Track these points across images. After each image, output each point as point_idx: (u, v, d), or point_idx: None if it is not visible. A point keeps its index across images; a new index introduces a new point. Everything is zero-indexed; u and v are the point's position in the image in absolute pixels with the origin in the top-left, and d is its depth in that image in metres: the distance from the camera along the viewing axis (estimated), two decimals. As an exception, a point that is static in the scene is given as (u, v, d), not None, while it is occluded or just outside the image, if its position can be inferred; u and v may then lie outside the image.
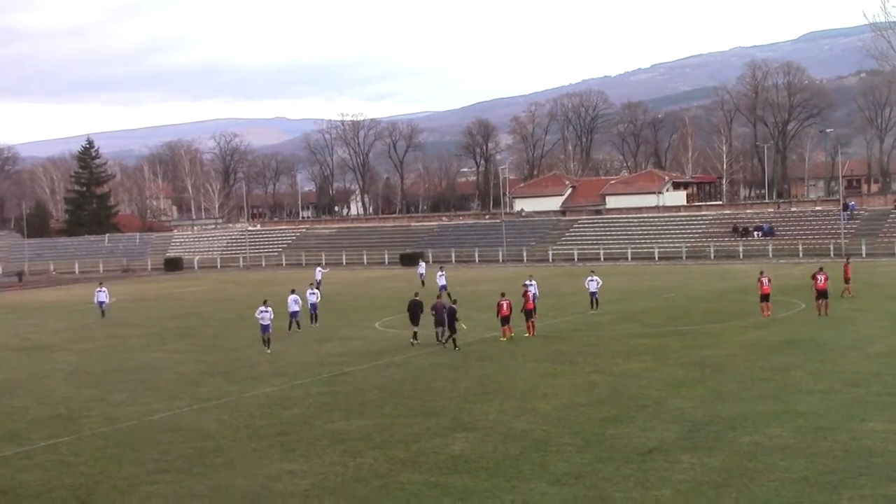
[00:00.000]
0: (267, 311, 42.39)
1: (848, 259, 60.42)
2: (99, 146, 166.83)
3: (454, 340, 39.48)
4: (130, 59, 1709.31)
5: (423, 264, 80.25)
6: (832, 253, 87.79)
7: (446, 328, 40.07)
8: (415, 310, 43.00)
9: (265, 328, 42.29)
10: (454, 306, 40.52)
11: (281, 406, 29.54)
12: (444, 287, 60.65)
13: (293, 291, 49.45)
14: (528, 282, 47.74)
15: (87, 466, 23.30)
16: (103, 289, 61.02)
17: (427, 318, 41.92)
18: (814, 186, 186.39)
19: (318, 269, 77.51)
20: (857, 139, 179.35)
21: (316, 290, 53.50)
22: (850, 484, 19.14)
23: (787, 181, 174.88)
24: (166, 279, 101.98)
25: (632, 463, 21.33)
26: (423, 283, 71.12)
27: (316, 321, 50.74)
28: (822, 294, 45.92)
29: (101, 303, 59.87)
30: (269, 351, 41.15)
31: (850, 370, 31.39)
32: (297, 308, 48.34)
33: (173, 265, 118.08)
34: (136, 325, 55.65)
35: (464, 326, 40.78)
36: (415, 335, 41.75)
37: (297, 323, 48.31)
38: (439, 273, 62.58)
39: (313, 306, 51.27)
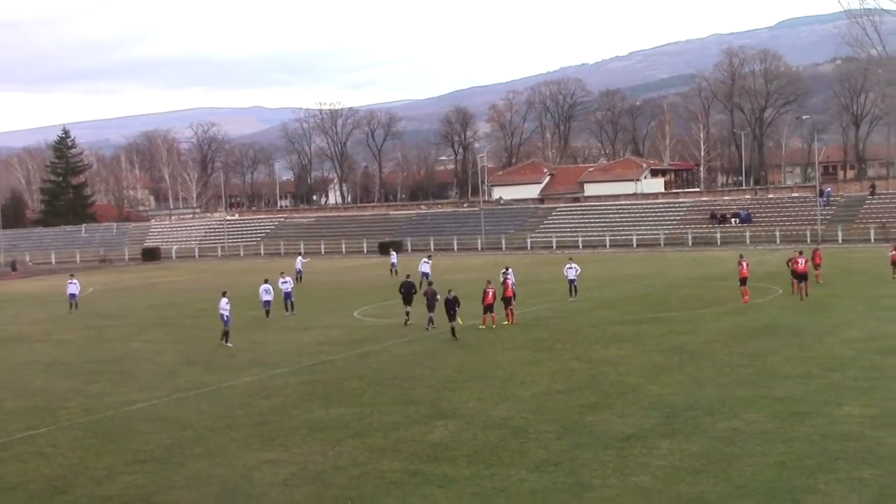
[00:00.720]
0: (226, 303, 41.82)
1: (818, 245, 61.16)
2: (75, 136, 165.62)
3: (454, 329, 39.15)
4: (106, 49, 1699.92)
5: (394, 254, 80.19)
6: (809, 239, 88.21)
7: (439, 315, 39.91)
8: (408, 290, 44.66)
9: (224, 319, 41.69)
10: (455, 297, 39.80)
11: (260, 395, 29.49)
12: (426, 275, 60.50)
13: (266, 281, 49.66)
14: (504, 271, 47.87)
15: (64, 458, 23.20)
16: (74, 280, 59.95)
17: (423, 306, 42.61)
18: (790, 173, 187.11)
19: (299, 258, 77.36)
20: (833, 126, 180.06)
21: (288, 279, 53.49)
22: (826, 468, 19.27)
23: (764, 168, 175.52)
24: (144, 269, 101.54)
25: (611, 449, 21.41)
26: (395, 272, 71.46)
27: (292, 309, 50.74)
28: (800, 276, 46.47)
29: (72, 294, 58.74)
30: (229, 344, 40.22)
31: (827, 355, 31.59)
32: (269, 297, 48.70)
33: (151, 255, 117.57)
34: (113, 315, 55.38)
35: (460, 321, 40.03)
36: (407, 314, 43.34)
37: (268, 312, 48.49)
38: (424, 261, 62.35)
39: (287, 295, 51.41)
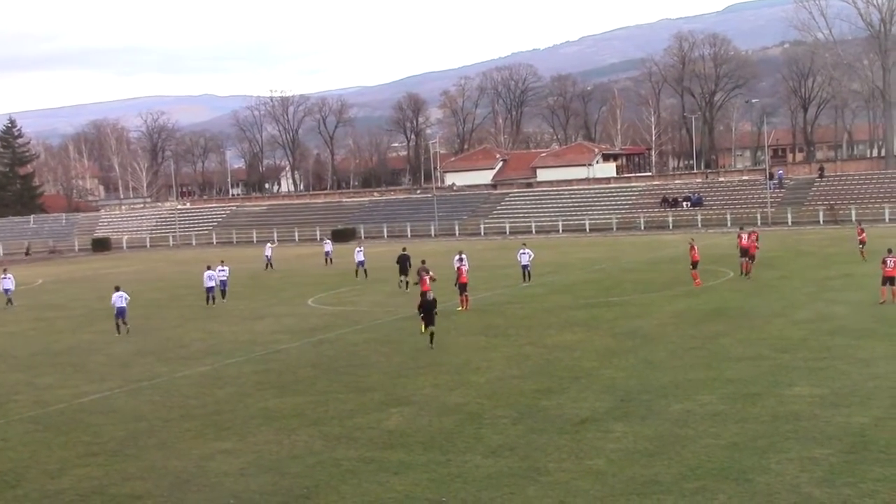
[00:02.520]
0: (121, 296, 42.06)
1: (754, 228, 62.90)
2: (21, 125, 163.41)
3: (432, 336, 33.62)
4: (52, 36, 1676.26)
5: (328, 242, 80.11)
6: (759, 221, 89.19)
7: (425, 318, 34.62)
8: (403, 262, 51.72)
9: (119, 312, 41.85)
10: (434, 298, 34.52)
11: (214, 385, 29.30)
12: (361, 263, 60.68)
13: (209, 268, 51.18)
14: (458, 256, 47.96)
15: (15, 451, 22.91)
16: (8, 275, 57.85)
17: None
18: (741, 156, 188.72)
19: (269, 245, 77.22)
20: (782, 109, 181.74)
21: (225, 268, 54.09)
22: (777, 448, 19.49)
23: (715, 151, 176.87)
24: (94, 259, 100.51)
25: (565, 434, 21.50)
26: (330, 261, 71.91)
27: (224, 298, 51.72)
28: (744, 252, 47.58)
29: (6, 290, 56.78)
30: (119, 334, 41.04)
31: (778, 336, 31.94)
32: (212, 284, 50.71)
33: (101, 245, 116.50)
34: (63, 306, 54.77)
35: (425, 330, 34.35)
36: (403, 283, 46.47)
37: (213, 298, 50.21)
38: (357, 250, 62.47)
39: (222, 283, 52.49)
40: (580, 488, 17.83)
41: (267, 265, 71.45)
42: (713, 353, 29.62)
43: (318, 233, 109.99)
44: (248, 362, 33.03)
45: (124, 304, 42.00)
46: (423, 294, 35.13)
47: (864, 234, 55.94)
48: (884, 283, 38.00)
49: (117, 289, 42.71)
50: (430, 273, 42.92)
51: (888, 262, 37.87)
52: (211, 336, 39.72)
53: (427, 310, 33.81)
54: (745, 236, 49.90)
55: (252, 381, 29.67)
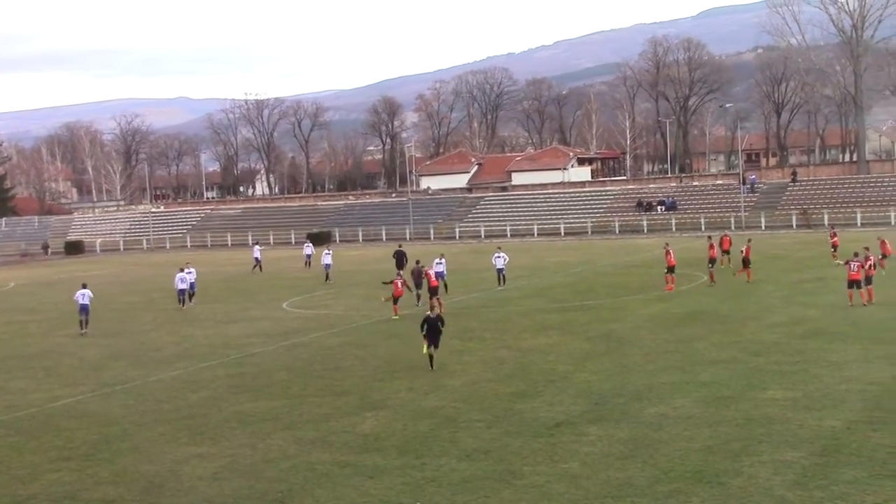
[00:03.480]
0: (84, 294, 43.54)
1: (725, 232, 63.58)
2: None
3: (431, 358, 29.85)
4: (27, 38, 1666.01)
5: (309, 245, 79.93)
6: (733, 226, 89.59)
7: (428, 337, 30.05)
8: (399, 258, 56.22)
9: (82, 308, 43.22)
10: (441, 316, 30.83)
11: (188, 389, 29.16)
12: (328, 266, 60.74)
13: (181, 270, 51.67)
14: (437, 260, 48.68)
15: (-13, 456, 22.72)
16: None
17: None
18: (715, 161, 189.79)
19: (256, 247, 76.90)
20: (756, 114, 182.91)
21: (192, 270, 53.97)
22: (751, 451, 19.58)
23: (689, 156, 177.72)
24: (67, 263, 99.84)
25: (540, 437, 21.53)
26: (308, 264, 71.85)
27: (191, 300, 51.83)
28: (713, 261, 48.57)
29: None
30: (82, 330, 42.62)
31: (751, 340, 32.10)
32: (183, 286, 50.97)
33: (74, 248, 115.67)
34: (35, 310, 54.40)
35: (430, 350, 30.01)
36: (398, 274, 46.75)
37: (183, 300, 50.75)
38: (326, 252, 62.57)
39: (192, 285, 52.61)
40: (555, 491, 17.85)
41: (255, 266, 71.16)
42: (687, 357, 29.73)
43: (293, 236, 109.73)
44: (222, 366, 32.89)
45: (87, 302, 43.11)
46: (420, 272, 36.21)
47: (836, 238, 56.40)
48: (850, 287, 38.29)
49: (84, 286, 43.82)
50: (426, 269, 45.20)
51: (852, 265, 38.19)
52: (185, 340, 39.53)
53: (431, 328, 29.61)
54: (715, 243, 50.30)
55: (226, 384, 29.55)
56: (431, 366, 29.71)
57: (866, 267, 38.77)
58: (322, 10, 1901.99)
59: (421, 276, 45.41)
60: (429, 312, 30.19)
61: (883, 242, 50.72)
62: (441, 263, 49.53)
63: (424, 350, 29.84)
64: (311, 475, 19.70)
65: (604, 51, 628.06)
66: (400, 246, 57.35)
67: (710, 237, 54.23)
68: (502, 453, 20.45)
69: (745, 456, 19.26)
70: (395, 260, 56.80)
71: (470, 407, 24.71)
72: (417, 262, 47.62)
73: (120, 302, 55.71)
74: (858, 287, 38.02)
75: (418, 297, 44.89)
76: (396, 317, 41.51)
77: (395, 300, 42.14)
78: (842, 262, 42.59)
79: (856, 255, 38.80)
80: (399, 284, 42.17)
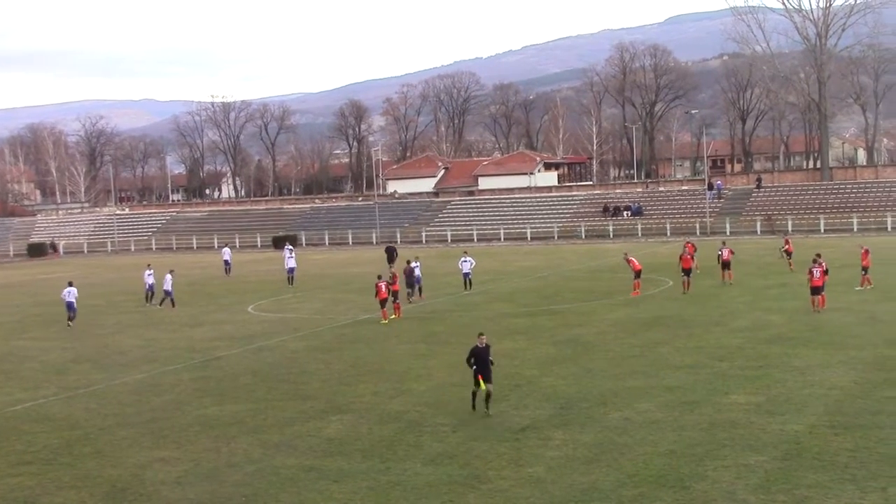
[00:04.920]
0: (70, 292, 46.38)
1: (688, 239, 63.90)
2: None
3: (489, 396, 24.16)
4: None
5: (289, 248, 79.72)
6: (698, 231, 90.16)
7: (480, 371, 24.23)
8: (390, 252, 62.06)
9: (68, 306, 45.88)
10: (488, 345, 24.70)
11: (152, 393, 28.96)
12: (292, 269, 60.61)
13: (149, 266, 53.77)
14: (413, 263, 50.18)
15: (-54, 460, 22.45)
16: None
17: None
18: (680, 166, 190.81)
19: (226, 248, 76.46)
20: (721, 120, 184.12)
21: (151, 272, 54.47)
22: (714, 455, 19.69)
23: (655, 161, 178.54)
24: (30, 265, 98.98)
25: (506, 441, 21.55)
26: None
27: (150, 301, 52.64)
28: (686, 272, 47.72)
29: None
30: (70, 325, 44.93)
31: (715, 345, 32.29)
32: (152, 281, 53.12)
33: (37, 251, 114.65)
34: (-2, 313, 53.84)
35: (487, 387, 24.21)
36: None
37: (149, 297, 52.59)
38: (288, 256, 62.39)
39: (150, 287, 53.42)
40: (520, 496, 17.88)
41: (226, 269, 70.73)
42: (652, 362, 29.86)
43: (259, 239, 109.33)
44: (186, 369, 32.70)
45: (73, 300, 45.51)
46: (412, 272, 37.18)
47: (790, 245, 56.69)
48: (813, 293, 38.59)
49: (70, 284, 46.59)
50: (416, 266, 47.87)
51: (814, 272, 38.46)
52: (149, 343, 39.27)
53: (481, 360, 24.19)
54: (725, 251, 50.47)
55: (190, 388, 29.38)
56: (487, 406, 24.02)
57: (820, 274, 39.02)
58: (289, 12, 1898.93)
59: (412, 276, 48.33)
60: (477, 343, 24.43)
61: (865, 252, 47.27)
62: (417, 265, 50.10)
63: (481, 387, 23.96)
64: (276, 479, 19.62)
65: (571, 56, 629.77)
66: (390, 242, 58.68)
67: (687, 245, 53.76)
68: (467, 458, 20.46)
69: (708, 460, 19.37)
70: (386, 255, 60.75)
71: (435, 411, 24.70)
72: (409, 262, 49.84)
73: (83, 305, 55.09)
74: (818, 293, 38.35)
75: (409, 294, 47.63)
76: (385, 322, 41.25)
77: (382, 304, 41.71)
78: (795, 269, 42.77)
79: (814, 261, 39.10)
80: (383, 287, 41.64)
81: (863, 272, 45.75)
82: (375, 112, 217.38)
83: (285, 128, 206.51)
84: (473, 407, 24.32)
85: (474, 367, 24.19)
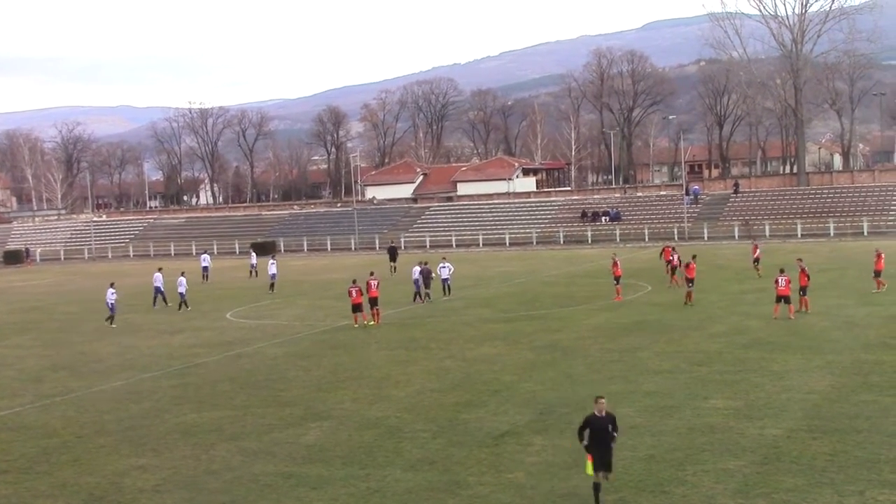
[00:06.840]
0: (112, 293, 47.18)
1: (668, 244, 64.78)
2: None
3: (598, 489, 17.43)
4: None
5: (254, 255, 79.46)
6: (676, 236, 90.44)
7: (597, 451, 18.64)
8: (392, 252, 64.99)
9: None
10: (610, 414, 17.90)
11: (130, 400, 28.81)
12: (273, 275, 60.60)
13: (112, 285, 50.34)
14: (441, 264, 52.64)
15: (-78, 469, 22.25)
16: None
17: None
18: (658, 172, 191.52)
19: (204, 255, 76.17)
20: (699, 125, 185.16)
21: (114, 291, 53.02)
22: (693, 459, 19.75)
23: (633, 167, 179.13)
24: (6, 272, 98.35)
25: (485, 447, 21.55)
26: (254, 273, 71.61)
27: (164, 303, 53.75)
28: (674, 270, 48.47)
29: None
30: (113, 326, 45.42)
31: (694, 350, 32.39)
32: (159, 284, 54.07)
33: (13, 258, 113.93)
34: (-26, 320, 53.42)
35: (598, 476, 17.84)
36: (392, 269, 50.18)
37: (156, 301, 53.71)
38: (271, 262, 62.37)
39: (158, 290, 54.20)
40: (499, 501, 17.88)
41: (204, 276, 70.54)
42: (631, 367, 29.92)
43: (237, 246, 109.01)
44: (164, 376, 32.55)
45: (113, 300, 46.92)
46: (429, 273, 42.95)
47: (758, 252, 56.76)
48: (777, 301, 38.66)
49: (111, 285, 48.32)
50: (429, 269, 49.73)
51: (780, 281, 38.58)
52: (127, 350, 39.07)
53: (598, 438, 17.35)
54: (675, 255, 51.54)
55: (169, 395, 29.24)
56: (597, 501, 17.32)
57: (796, 280, 39.25)
58: (266, 19, 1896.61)
59: (429, 277, 50.30)
60: (594, 410, 17.50)
61: (879, 256, 46.46)
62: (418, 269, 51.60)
63: (588, 471, 17.39)
64: (255, 486, 19.55)
65: (549, 62, 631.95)
66: (392, 241, 60.79)
67: (674, 248, 54.93)
68: (447, 463, 20.44)
69: (687, 465, 19.42)
70: (388, 254, 65.66)
71: (415, 417, 24.68)
72: (425, 264, 51.54)
73: (60, 312, 54.95)
74: (787, 302, 38.40)
75: (427, 295, 49.75)
76: (357, 325, 41.31)
77: (354, 309, 41.78)
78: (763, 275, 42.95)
79: (781, 271, 39.25)
80: (353, 293, 41.73)
81: (874, 275, 45.92)
82: (354, 118, 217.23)
83: (263, 134, 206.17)
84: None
85: (585, 443, 17.50)
